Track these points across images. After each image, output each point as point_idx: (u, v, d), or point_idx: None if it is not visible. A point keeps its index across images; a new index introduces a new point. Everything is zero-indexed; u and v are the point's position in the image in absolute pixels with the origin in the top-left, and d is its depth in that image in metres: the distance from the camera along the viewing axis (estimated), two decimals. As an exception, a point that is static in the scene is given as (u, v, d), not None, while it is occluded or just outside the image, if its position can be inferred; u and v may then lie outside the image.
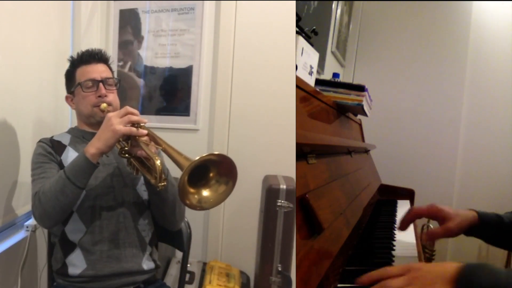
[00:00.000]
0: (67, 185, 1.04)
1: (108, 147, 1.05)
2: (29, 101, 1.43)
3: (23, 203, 1.41)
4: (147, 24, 1.91)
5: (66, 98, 1.31)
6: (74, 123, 1.71)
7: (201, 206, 0.97)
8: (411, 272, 0.72)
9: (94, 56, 1.26)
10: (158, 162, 1.00)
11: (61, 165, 1.19)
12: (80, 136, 1.27)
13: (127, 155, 1.09)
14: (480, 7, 2.87)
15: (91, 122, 1.27)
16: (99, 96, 1.22)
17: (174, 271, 1.79)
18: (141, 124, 1.08)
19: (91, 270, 1.15)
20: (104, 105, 1.22)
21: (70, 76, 1.29)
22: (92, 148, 1.05)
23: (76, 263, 1.16)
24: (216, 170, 0.98)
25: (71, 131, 1.31)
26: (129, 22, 1.93)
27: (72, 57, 1.30)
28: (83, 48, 1.77)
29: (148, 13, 1.90)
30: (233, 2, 1.77)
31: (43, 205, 1.06)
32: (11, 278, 1.36)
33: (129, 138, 1.08)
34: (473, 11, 2.87)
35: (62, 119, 1.66)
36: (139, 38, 1.92)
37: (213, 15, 1.82)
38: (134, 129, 1.05)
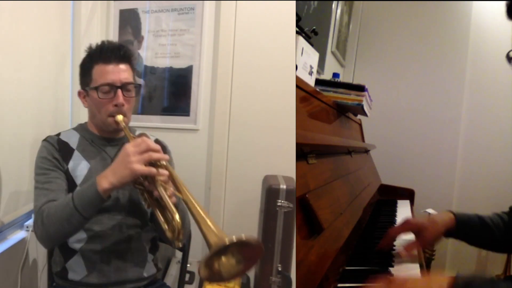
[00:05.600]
0: (74, 215, 0.99)
1: (122, 184, 0.98)
2: (29, 101, 1.43)
3: (23, 203, 1.41)
4: (147, 24, 1.91)
5: (79, 93, 1.22)
6: (75, 123, 1.71)
7: (220, 275, 0.81)
8: (391, 284, 0.69)
9: (116, 53, 1.14)
10: (177, 217, 0.91)
11: (67, 174, 1.15)
12: (89, 139, 1.22)
13: (141, 187, 1.01)
14: (480, 7, 2.87)
15: (102, 129, 1.21)
16: (116, 105, 1.13)
17: (174, 271, 1.79)
18: (162, 162, 0.99)
19: (91, 277, 1.13)
20: (120, 117, 1.13)
21: (86, 71, 1.17)
22: (106, 182, 0.96)
23: (77, 269, 1.14)
24: (238, 246, 0.79)
25: (79, 129, 1.25)
26: (129, 22, 1.93)
27: (90, 47, 1.18)
28: (83, 48, 1.77)
29: (148, 13, 1.90)
30: (233, 2, 1.77)
31: (46, 227, 1.02)
32: (11, 278, 1.36)
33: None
34: (473, 11, 2.87)
35: (62, 119, 1.66)
36: (139, 38, 1.92)
37: (213, 15, 1.82)
38: (154, 170, 0.95)
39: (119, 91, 1.13)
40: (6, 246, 1.33)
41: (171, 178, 0.98)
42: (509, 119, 2.81)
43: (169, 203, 0.93)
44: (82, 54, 1.72)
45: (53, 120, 1.59)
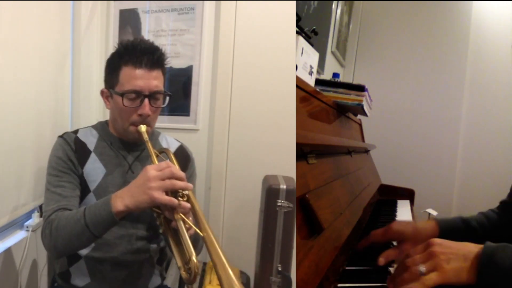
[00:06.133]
0: (85, 232, 0.94)
1: (139, 209, 0.91)
2: (29, 101, 1.43)
3: (23, 203, 1.41)
4: (147, 24, 1.91)
5: (102, 92, 1.13)
6: (75, 123, 1.71)
7: None
8: (430, 246, 0.72)
9: (149, 57, 1.04)
10: (194, 258, 0.83)
11: (81, 178, 1.09)
12: (108, 141, 1.15)
13: (159, 210, 0.94)
14: (480, 7, 2.88)
15: (122, 134, 1.14)
16: (140, 115, 1.05)
17: (174, 271, 1.79)
18: (185, 192, 0.91)
19: (94, 286, 1.11)
20: (143, 128, 1.05)
21: (113, 70, 1.08)
22: (121, 204, 0.90)
23: (80, 275, 1.12)
24: None
25: (99, 128, 1.18)
26: (129, 22, 1.93)
27: (121, 44, 1.08)
28: (83, 48, 1.77)
29: (148, 13, 1.90)
30: (233, 2, 1.77)
31: (54, 239, 0.98)
32: (11, 278, 1.36)
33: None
34: (473, 11, 2.87)
35: (62, 119, 1.66)
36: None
37: (213, 15, 1.81)
38: (175, 201, 0.88)
39: (146, 101, 1.04)
40: (6, 246, 1.33)
41: (194, 212, 0.91)
42: (509, 119, 2.81)
43: (188, 241, 0.86)
44: (82, 54, 1.74)
45: (53, 120, 1.59)
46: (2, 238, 1.35)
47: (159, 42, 1.89)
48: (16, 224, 1.43)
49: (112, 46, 1.93)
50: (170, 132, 1.89)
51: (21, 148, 1.38)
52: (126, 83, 1.04)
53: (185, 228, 0.87)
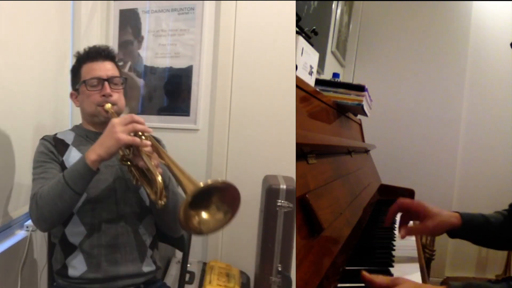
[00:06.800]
0: (66, 190, 1.03)
1: (109, 155, 1.02)
2: (29, 101, 1.43)
3: (23, 203, 1.41)
4: (147, 24, 1.91)
5: (71, 95, 1.29)
6: (75, 123, 1.72)
7: (200, 229, 0.92)
8: (396, 286, 0.73)
9: (100, 53, 1.24)
10: (159, 178, 0.98)
11: (62, 166, 1.17)
12: (84, 136, 1.26)
13: (128, 162, 1.07)
14: (480, 7, 2.88)
15: (94, 121, 1.25)
16: (104, 96, 1.20)
17: (174, 271, 1.79)
18: (146, 134, 1.05)
19: (91, 273, 1.15)
20: (108, 105, 1.20)
21: (75, 73, 1.26)
22: (93, 154, 1.02)
23: (76, 265, 1.15)
24: (219, 196, 0.94)
25: (75, 129, 1.30)
26: (129, 22, 1.93)
27: (78, 52, 1.27)
28: (83, 48, 1.77)
29: (148, 13, 1.90)
30: (233, 2, 1.77)
31: (40, 208, 1.05)
32: (11, 278, 1.36)
33: (132, 147, 1.05)
34: (473, 11, 2.87)
35: (62, 119, 1.66)
36: (139, 38, 1.92)
37: (213, 15, 1.82)
38: (137, 139, 1.02)
39: (106, 83, 1.20)
40: (6, 246, 1.33)
41: (155, 149, 1.04)
42: (509, 119, 2.81)
43: (152, 166, 0.99)
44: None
45: (53, 120, 1.59)
46: (2, 238, 1.35)
47: (159, 42, 1.90)
48: (16, 224, 1.43)
49: (112, 46, 1.93)
50: (170, 132, 1.89)
51: (21, 148, 1.38)
52: (87, 75, 1.22)
53: (153, 166, 1.00)
